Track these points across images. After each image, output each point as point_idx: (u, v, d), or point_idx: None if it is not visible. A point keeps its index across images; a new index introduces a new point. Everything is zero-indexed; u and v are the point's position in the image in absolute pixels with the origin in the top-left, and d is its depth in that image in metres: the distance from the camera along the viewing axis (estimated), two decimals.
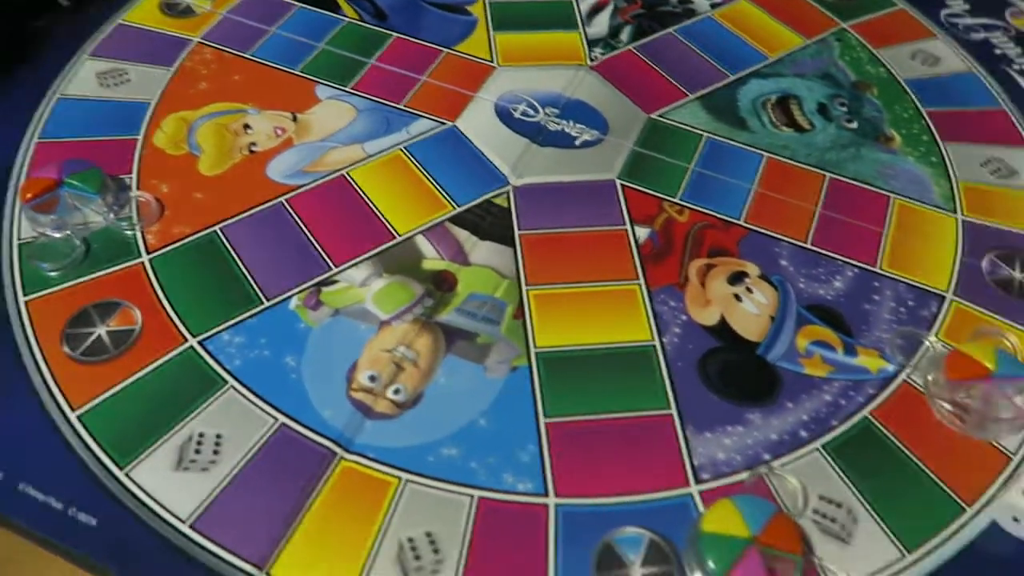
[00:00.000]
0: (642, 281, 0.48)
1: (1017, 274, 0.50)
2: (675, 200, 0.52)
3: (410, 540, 0.37)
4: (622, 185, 0.53)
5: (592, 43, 0.63)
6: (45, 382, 0.41)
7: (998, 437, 0.42)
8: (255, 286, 0.46)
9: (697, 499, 0.39)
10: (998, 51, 0.66)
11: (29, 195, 0.47)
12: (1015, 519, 0.39)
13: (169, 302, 0.45)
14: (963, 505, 0.40)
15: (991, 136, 0.59)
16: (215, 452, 0.39)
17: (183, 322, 0.44)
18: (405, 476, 0.39)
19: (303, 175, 0.52)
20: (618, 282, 0.48)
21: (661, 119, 0.58)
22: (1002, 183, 0.55)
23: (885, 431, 0.42)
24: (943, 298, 0.48)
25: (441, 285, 0.47)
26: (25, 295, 0.44)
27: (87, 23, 0.61)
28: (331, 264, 0.47)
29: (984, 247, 0.51)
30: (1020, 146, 0.58)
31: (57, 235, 0.46)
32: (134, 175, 0.51)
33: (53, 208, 0.47)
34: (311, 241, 0.48)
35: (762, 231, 0.51)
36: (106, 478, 0.38)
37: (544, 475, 0.39)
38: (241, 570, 0.36)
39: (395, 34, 0.62)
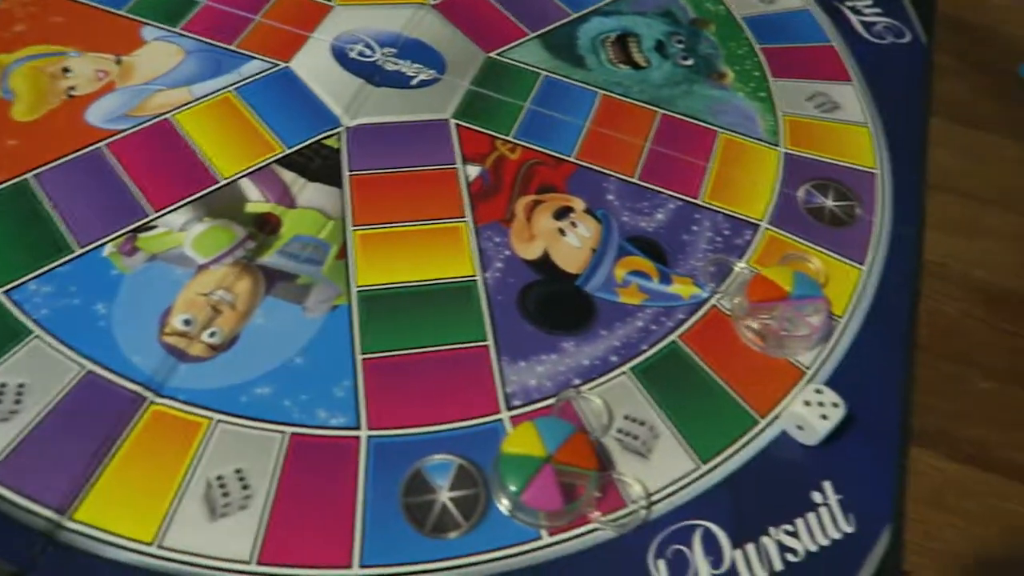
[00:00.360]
0: (469, 219, 0.49)
1: (829, 202, 0.53)
2: (508, 138, 0.53)
3: (219, 478, 0.37)
4: (456, 124, 0.53)
5: None
6: None
7: (795, 354, 0.45)
8: (68, 234, 0.45)
9: (507, 424, 0.41)
10: None
11: None
12: (799, 427, 0.42)
13: None
14: (756, 418, 0.43)
15: (819, 72, 0.61)
16: (16, 402, 0.38)
17: None
18: (216, 417, 0.39)
19: (125, 119, 0.50)
20: (445, 220, 0.48)
21: (500, 58, 0.58)
22: (825, 117, 0.58)
23: (691, 353, 0.45)
24: (757, 226, 0.51)
25: (264, 228, 0.46)
26: None
27: None
28: (150, 210, 0.46)
29: (802, 178, 0.54)
30: (845, 81, 0.60)
31: None
32: None
33: None
34: (130, 187, 0.47)
35: (591, 167, 0.52)
36: None
37: (358, 409, 0.40)
38: (42, 517, 0.36)
39: None
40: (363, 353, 0.42)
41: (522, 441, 0.38)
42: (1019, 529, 0.42)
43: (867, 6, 0.66)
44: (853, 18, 0.65)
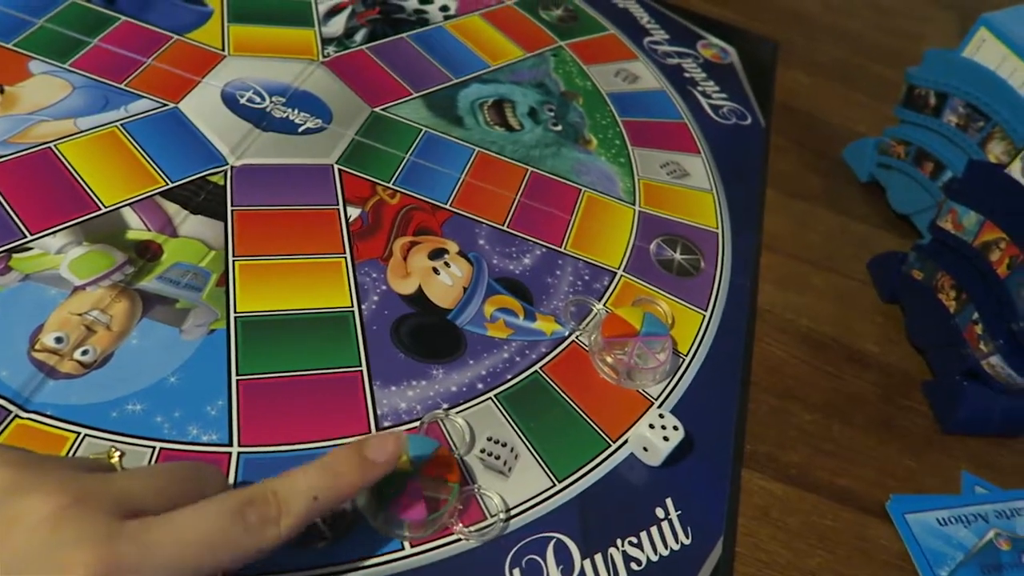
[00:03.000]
0: (348, 255, 0.51)
1: (677, 255, 0.59)
2: (388, 185, 0.57)
3: None
4: (339, 169, 0.57)
5: (326, 41, 0.67)
6: None
7: (644, 386, 0.50)
8: None
9: None
10: (687, 74, 0.77)
11: None
12: (644, 448, 0.46)
13: None
14: (608, 441, 0.47)
15: (672, 144, 0.69)
16: None
17: None
18: (84, 431, 0.40)
19: (5, 146, 0.51)
20: (325, 255, 0.51)
21: (385, 113, 0.62)
22: (676, 182, 0.65)
23: (551, 383, 0.49)
24: (614, 273, 0.56)
25: (144, 254, 0.48)
26: None
27: None
28: (26, 231, 0.47)
29: (654, 233, 0.60)
30: (695, 153, 0.68)
31: None
32: None
33: None
34: (6, 208, 0.47)
35: (465, 214, 0.57)
36: None
37: (231, 427, 0.42)
38: None
39: (123, 17, 0.62)
40: (239, 375, 0.44)
41: None
42: (832, 540, 0.47)
43: (715, 91, 0.76)
44: (703, 100, 0.74)
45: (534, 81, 0.70)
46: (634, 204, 0.62)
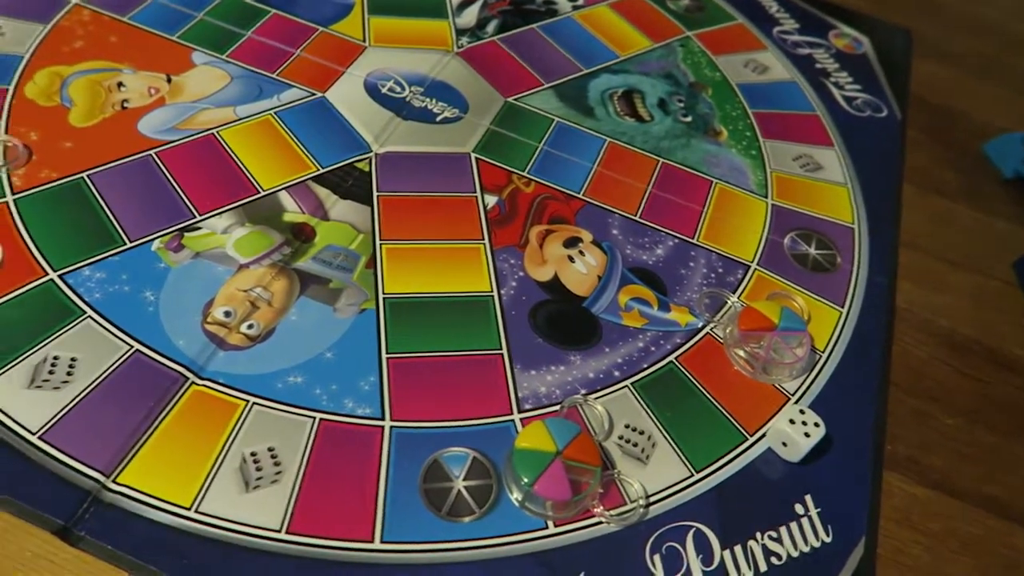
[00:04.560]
0: (486, 241, 0.53)
1: (812, 250, 0.58)
2: (523, 174, 0.58)
3: (252, 454, 0.40)
4: (476, 158, 0.58)
5: (460, 32, 0.68)
6: None
7: (780, 381, 0.50)
8: (119, 228, 0.48)
9: (518, 424, 0.44)
10: (819, 65, 0.75)
11: None
12: (784, 444, 0.46)
13: (32, 239, 0.46)
14: (745, 434, 0.47)
15: (804, 136, 0.67)
16: (68, 373, 0.41)
17: (45, 258, 0.46)
18: (252, 399, 0.42)
19: (174, 132, 0.55)
20: (465, 241, 0.53)
21: (517, 103, 0.63)
22: (809, 175, 0.64)
23: (687, 373, 0.49)
24: (748, 267, 0.56)
25: (300, 235, 0.50)
26: None
27: None
28: (195, 212, 0.50)
29: (787, 227, 0.59)
30: (828, 146, 0.67)
31: None
32: (2, 122, 0.52)
33: None
34: (177, 191, 0.51)
35: (598, 204, 0.57)
36: None
37: (382, 402, 0.44)
38: (89, 477, 0.38)
39: (273, 10, 0.66)
40: (388, 353, 0.46)
41: (534, 438, 0.42)
42: (977, 548, 0.46)
43: (849, 82, 0.73)
44: (836, 92, 0.72)
45: (662, 72, 0.70)
46: (766, 197, 0.61)
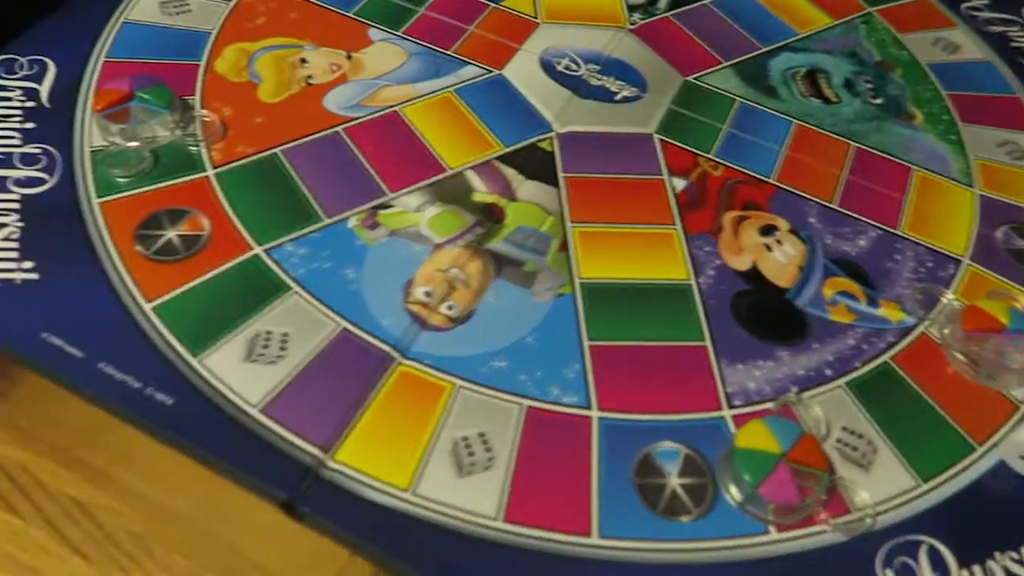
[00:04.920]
0: (679, 227, 0.50)
1: None
2: (709, 156, 0.55)
3: (464, 438, 0.39)
4: (659, 139, 0.55)
5: (632, 8, 0.66)
6: (120, 275, 0.43)
7: (1008, 387, 0.45)
8: (316, 204, 0.48)
9: (729, 421, 0.42)
10: (1014, 44, 0.69)
11: (100, 105, 0.49)
12: (1022, 457, 0.42)
13: (235, 213, 0.47)
14: (974, 444, 0.43)
15: (1007, 121, 0.62)
16: (282, 348, 0.41)
17: (249, 232, 0.46)
18: (459, 382, 0.41)
19: (358, 108, 0.54)
20: (656, 226, 0.50)
21: (697, 82, 0.60)
22: (1017, 164, 0.59)
23: (904, 375, 0.45)
24: (959, 262, 0.51)
25: (490, 216, 0.49)
26: (98, 197, 0.46)
27: None
28: (387, 190, 0.49)
29: (999, 220, 0.54)
30: None
31: (127, 144, 0.48)
32: (197, 96, 0.53)
33: (123, 119, 0.49)
34: (367, 168, 0.50)
35: (791, 190, 0.54)
36: (180, 363, 0.40)
37: (587, 391, 0.42)
38: (307, 452, 0.38)
39: None
40: (589, 340, 0.44)
41: (755, 437, 0.39)
42: None
43: None
44: None
45: (845, 50, 0.66)
46: (972, 186, 0.56)
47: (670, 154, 0.55)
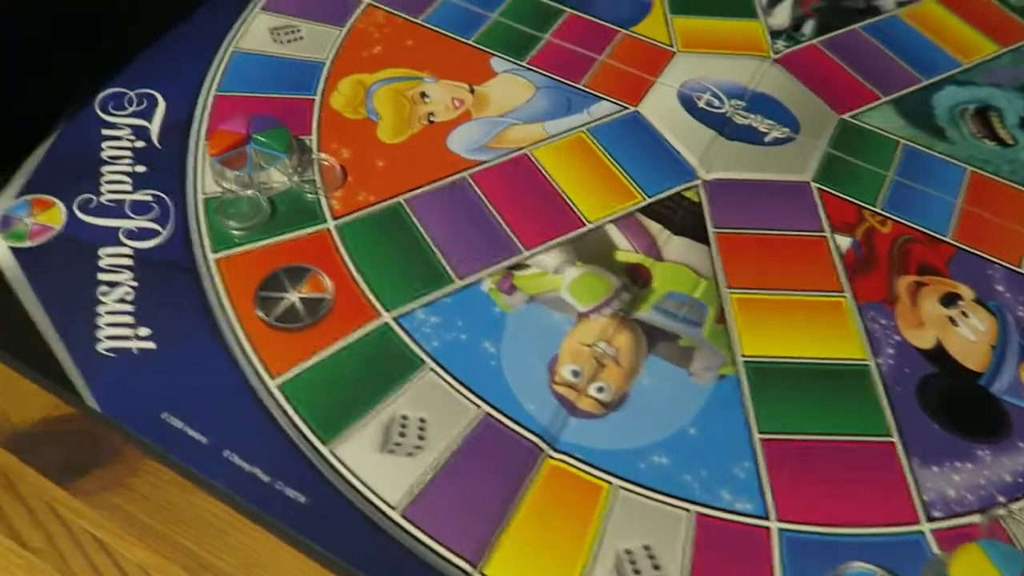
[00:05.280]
0: (849, 294, 0.45)
1: None
2: (875, 209, 0.49)
3: (627, 552, 0.35)
4: (818, 188, 0.50)
5: (774, 35, 0.60)
6: (241, 346, 0.39)
7: None
8: (445, 264, 0.43)
9: (930, 538, 0.36)
10: None
11: (216, 149, 0.45)
12: None
13: (359, 272, 0.43)
14: None
15: None
16: (420, 437, 0.37)
17: (375, 295, 0.42)
18: (616, 481, 0.37)
19: (485, 151, 0.49)
20: (823, 293, 0.45)
21: (854, 121, 0.54)
22: None
23: None
24: None
25: (636, 279, 0.44)
26: (214, 252, 0.43)
27: None
28: (521, 247, 0.45)
29: None
30: None
31: (243, 192, 0.45)
32: (314, 137, 0.49)
33: (239, 164, 0.45)
34: (498, 221, 0.46)
35: (972, 251, 0.47)
36: (310, 452, 0.36)
37: (763, 495, 0.37)
38: (454, 565, 0.33)
39: (568, 10, 0.59)
40: (760, 432, 0.39)
41: (974, 568, 0.33)
42: None
43: None
44: None
45: (1016, 83, 0.58)
46: None
47: (831, 206, 0.49)
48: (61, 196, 0.45)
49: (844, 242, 0.47)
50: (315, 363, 0.39)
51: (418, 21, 0.57)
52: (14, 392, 0.37)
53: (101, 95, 0.50)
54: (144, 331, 0.39)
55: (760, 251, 0.46)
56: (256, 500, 0.34)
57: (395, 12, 0.57)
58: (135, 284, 0.41)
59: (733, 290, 0.44)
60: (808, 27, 0.61)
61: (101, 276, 0.41)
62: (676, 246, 0.46)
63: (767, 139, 0.52)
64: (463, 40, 0.56)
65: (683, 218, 0.47)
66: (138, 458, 0.35)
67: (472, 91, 0.53)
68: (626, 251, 0.45)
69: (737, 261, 0.46)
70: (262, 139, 0.45)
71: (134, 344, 0.39)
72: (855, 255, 0.47)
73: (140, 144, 0.48)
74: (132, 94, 0.50)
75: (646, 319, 0.42)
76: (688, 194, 0.49)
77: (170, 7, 0.55)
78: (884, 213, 0.49)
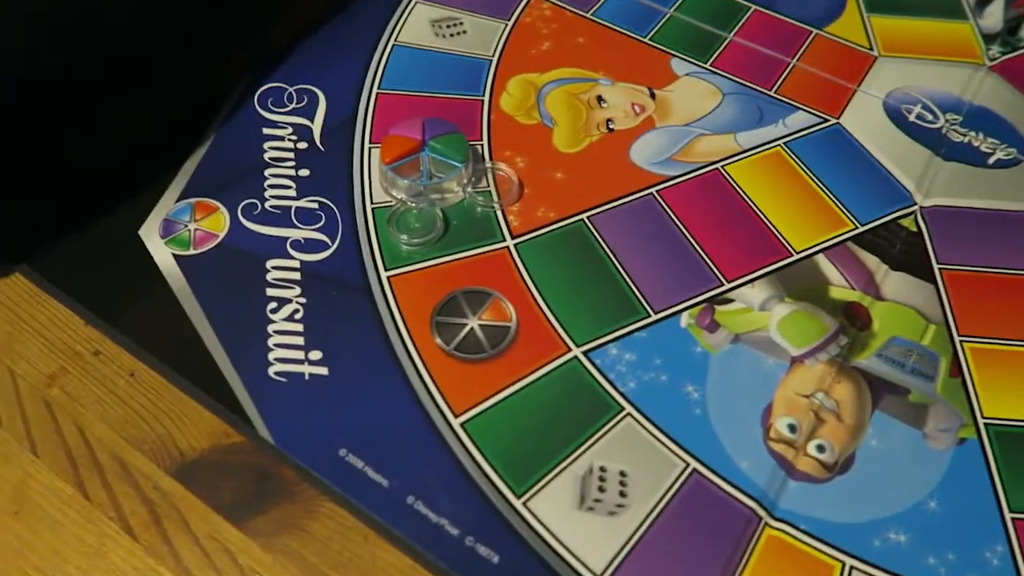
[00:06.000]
0: None
1: None
2: None
3: None
4: None
5: (987, 38, 0.53)
6: (420, 375, 0.36)
7: None
8: (638, 293, 0.39)
9: None
10: None
11: (389, 157, 0.42)
12: None
13: (543, 298, 0.38)
14: None
15: None
16: (621, 494, 0.33)
17: (562, 326, 0.38)
18: (848, 560, 0.32)
19: (672, 164, 0.45)
20: None
21: None
22: None
23: None
24: None
25: (855, 321, 0.38)
26: (387, 269, 0.39)
27: None
28: (722, 278, 0.40)
29: None
30: None
31: (417, 204, 0.41)
32: (485, 143, 0.45)
33: (412, 173, 0.42)
34: (694, 246, 0.41)
35: None
36: (502, 505, 0.32)
37: None
38: None
39: (753, 6, 0.54)
40: (1012, 511, 0.33)
41: None
42: None
43: None
44: None
45: None
46: None
47: None
48: (224, 201, 0.42)
49: None
50: (498, 401, 0.35)
51: (588, 16, 0.53)
52: (182, 414, 0.35)
53: (259, 91, 0.48)
54: (315, 355, 0.36)
55: (995, 293, 0.40)
56: (446, 556, 0.31)
57: (563, 5, 0.53)
58: (303, 301, 0.38)
59: (965, 338, 0.38)
60: None
61: (270, 291, 0.38)
62: (896, 283, 0.40)
63: (990, 160, 0.46)
64: (639, 38, 0.52)
65: (902, 250, 0.41)
66: (315, 498, 0.32)
67: (653, 96, 0.48)
68: (840, 287, 0.40)
69: (969, 304, 0.40)
70: (438, 146, 0.42)
71: (305, 369, 0.36)
72: None
73: (302, 145, 0.45)
74: (291, 90, 0.48)
75: (868, 367, 0.37)
76: (905, 222, 0.43)
77: None
78: None
